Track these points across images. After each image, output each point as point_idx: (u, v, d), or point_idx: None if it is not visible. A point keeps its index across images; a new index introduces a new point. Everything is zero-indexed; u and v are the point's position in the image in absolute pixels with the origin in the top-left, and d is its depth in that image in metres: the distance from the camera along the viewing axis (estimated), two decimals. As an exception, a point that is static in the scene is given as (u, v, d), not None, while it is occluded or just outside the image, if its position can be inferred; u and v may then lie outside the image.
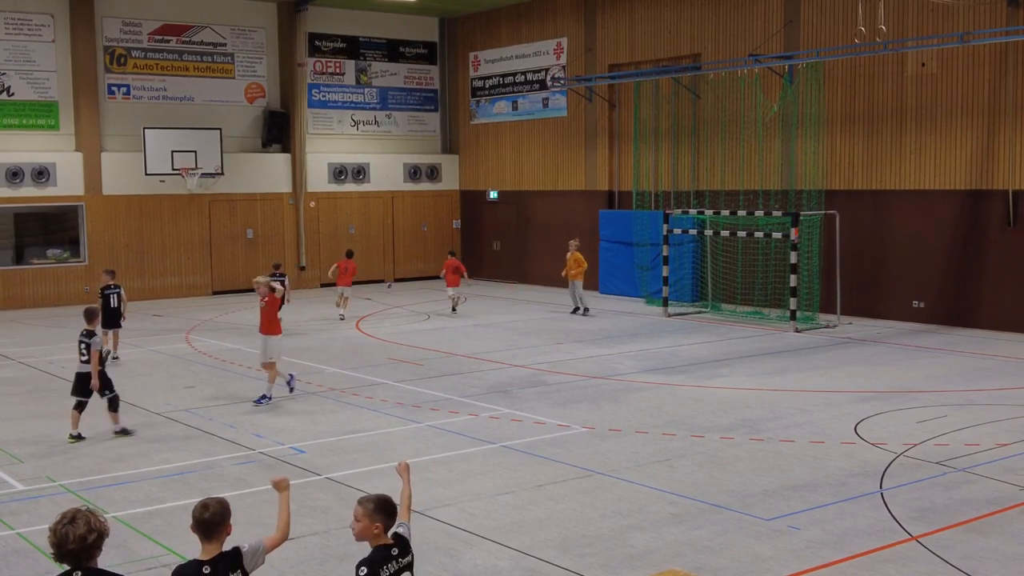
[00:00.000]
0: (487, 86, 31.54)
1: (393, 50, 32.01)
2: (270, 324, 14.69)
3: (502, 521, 9.34)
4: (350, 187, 30.95)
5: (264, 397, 14.36)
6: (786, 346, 18.86)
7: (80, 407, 12.51)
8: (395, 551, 5.39)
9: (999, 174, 19.97)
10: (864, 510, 9.48)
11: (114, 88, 27.33)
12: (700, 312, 23.43)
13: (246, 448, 12.07)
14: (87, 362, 12.48)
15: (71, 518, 4.60)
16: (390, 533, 5.50)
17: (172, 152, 27.12)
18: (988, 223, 20.19)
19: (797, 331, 20.41)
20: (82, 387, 12.50)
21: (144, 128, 26.87)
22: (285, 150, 29.94)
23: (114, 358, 18.25)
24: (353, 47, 31.29)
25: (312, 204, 30.12)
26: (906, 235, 21.38)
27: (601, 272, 27.48)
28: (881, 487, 10.20)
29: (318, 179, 30.31)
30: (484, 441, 12.24)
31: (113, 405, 12.67)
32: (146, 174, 27.00)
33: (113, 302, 17.73)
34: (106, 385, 12.57)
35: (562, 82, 28.15)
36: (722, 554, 8.42)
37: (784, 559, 8.29)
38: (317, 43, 30.51)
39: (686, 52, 25.54)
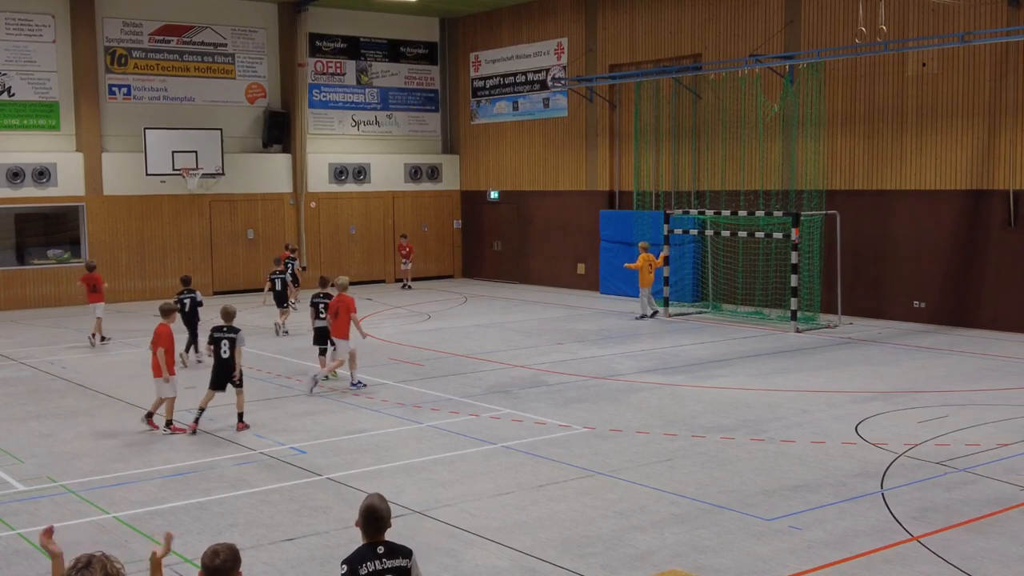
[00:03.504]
0: (488, 86, 31.53)
1: (394, 50, 32.00)
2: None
3: (503, 521, 9.33)
4: (351, 187, 30.95)
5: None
6: (787, 346, 18.85)
7: (324, 353, 16.10)
8: (380, 549, 5.44)
9: (1000, 174, 19.96)
10: (865, 510, 9.47)
11: (115, 88, 27.32)
12: (701, 312, 23.41)
13: (247, 448, 12.07)
14: (324, 319, 15.74)
15: (86, 562, 4.38)
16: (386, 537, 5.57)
17: (173, 152, 27.11)
18: (989, 223, 20.18)
19: (798, 331, 20.40)
20: (322, 338, 15.97)
21: (145, 128, 26.87)
22: (286, 150, 29.93)
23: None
24: (354, 47, 31.28)
25: (313, 204, 30.12)
26: (907, 235, 21.37)
27: (602, 272, 27.50)
28: (882, 487, 10.20)
29: (319, 179, 30.30)
30: (485, 441, 12.24)
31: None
32: (147, 174, 27.00)
33: (277, 285, 21.02)
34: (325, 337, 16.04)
35: (563, 82, 28.13)
36: (723, 554, 8.41)
37: (785, 559, 8.28)
38: (318, 43, 30.50)
39: (687, 52, 25.53)
